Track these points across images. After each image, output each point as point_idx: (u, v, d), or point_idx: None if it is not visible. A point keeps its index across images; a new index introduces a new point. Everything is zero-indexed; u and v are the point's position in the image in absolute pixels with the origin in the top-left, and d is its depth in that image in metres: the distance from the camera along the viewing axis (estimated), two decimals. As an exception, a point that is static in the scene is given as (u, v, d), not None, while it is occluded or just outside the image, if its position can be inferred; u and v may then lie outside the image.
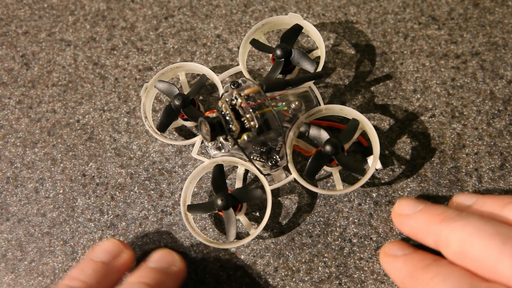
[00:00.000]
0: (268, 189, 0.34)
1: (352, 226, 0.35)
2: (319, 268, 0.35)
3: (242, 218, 0.35)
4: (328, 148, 0.32)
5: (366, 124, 0.34)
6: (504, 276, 0.25)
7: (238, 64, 0.37)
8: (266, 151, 0.34)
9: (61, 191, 0.38)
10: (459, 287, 0.25)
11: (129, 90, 0.40)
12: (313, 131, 0.33)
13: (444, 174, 0.36)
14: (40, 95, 0.41)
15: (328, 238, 0.35)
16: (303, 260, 0.35)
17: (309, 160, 0.32)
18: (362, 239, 0.35)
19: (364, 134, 0.36)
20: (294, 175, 0.34)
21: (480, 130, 0.37)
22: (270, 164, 0.34)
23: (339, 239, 0.35)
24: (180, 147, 0.38)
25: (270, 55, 0.39)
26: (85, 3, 0.43)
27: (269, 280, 0.35)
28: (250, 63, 0.40)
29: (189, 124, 0.38)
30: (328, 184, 0.36)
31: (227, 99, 0.32)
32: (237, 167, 0.36)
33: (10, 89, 0.41)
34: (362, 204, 0.36)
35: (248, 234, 0.35)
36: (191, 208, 0.35)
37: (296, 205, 0.36)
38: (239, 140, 0.32)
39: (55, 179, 0.38)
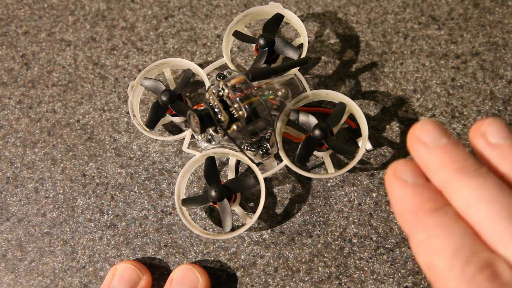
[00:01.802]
0: (260, 177, 0.34)
1: (352, 226, 0.35)
2: (319, 268, 0.35)
3: (237, 208, 0.35)
4: (317, 132, 0.32)
5: (353, 106, 0.34)
6: (500, 254, 0.24)
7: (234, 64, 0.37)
8: (256, 141, 0.34)
9: (61, 191, 0.38)
10: (460, 248, 0.23)
11: (129, 90, 0.40)
12: (302, 117, 0.34)
13: (444, 174, 0.36)
14: (40, 95, 0.41)
15: (328, 238, 0.35)
16: (303, 260, 0.35)
17: (300, 146, 0.32)
18: (362, 239, 0.35)
19: (353, 119, 0.36)
20: (286, 161, 0.34)
21: (480, 130, 0.37)
22: (261, 152, 0.34)
23: (339, 239, 0.35)
24: (179, 147, 0.38)
25: (254, 45, 0.39)
26: (85, 3, 0.43)
27: (269, 280, 0.35)
28: (247, 59, 0.40)
29: (177, 119, 0.38)
30: (323, 175, 0.36)
31: (214, 91, 0.32)
32: (228, 158, 0.36)
33: (10, 89, 0.41)
34: (362, 204, 0.36)
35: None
36: (185, 201, 0.35)
37: (296, 205, 0.36)
38: (228, 131, 0.32)
39: (55, 179, 0.38)
